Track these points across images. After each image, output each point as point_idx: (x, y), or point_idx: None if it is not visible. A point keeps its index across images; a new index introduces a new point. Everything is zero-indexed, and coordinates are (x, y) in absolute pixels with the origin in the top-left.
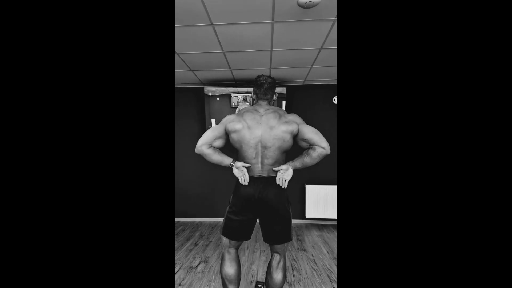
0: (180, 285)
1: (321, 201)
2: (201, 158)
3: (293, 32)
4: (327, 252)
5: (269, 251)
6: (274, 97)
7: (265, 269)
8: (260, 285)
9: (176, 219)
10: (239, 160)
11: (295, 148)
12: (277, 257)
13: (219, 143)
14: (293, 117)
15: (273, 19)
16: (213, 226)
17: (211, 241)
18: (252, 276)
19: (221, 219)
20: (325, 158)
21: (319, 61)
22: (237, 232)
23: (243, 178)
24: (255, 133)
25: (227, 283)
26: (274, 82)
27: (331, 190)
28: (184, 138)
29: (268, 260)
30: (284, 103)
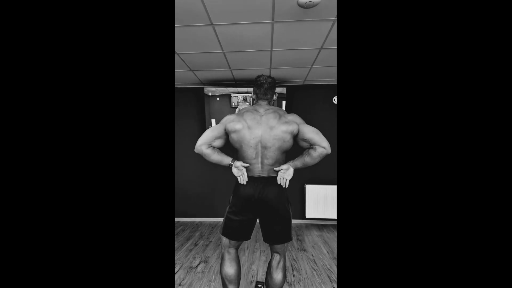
0: (180, 285)
1: (321, 201)
2: (201, 158)
3: (293, 32)
4: (327, 252)
5: (269, 251)
6: (274, 97)
7: (265, 269)
8: (260, 285)
9: (176, 219)
10: (239, 160)
11: (295, 148)
12: (277, 257)
13: (218, 143)
14: (293, 117)
15: (273, 19)
16: (213, 226)
17: (211, 241)
18: (252, 276)
19: (221, 219)
20: (325, 158)
21: (319, 61)
22: (237, 232)
23: (242, 177)
24: (255, 133)
25: (227, 283)
26: (274, 82)
27: (331, 190)
28: (184, 138)
29: (268, 260)
30: (284, 103)
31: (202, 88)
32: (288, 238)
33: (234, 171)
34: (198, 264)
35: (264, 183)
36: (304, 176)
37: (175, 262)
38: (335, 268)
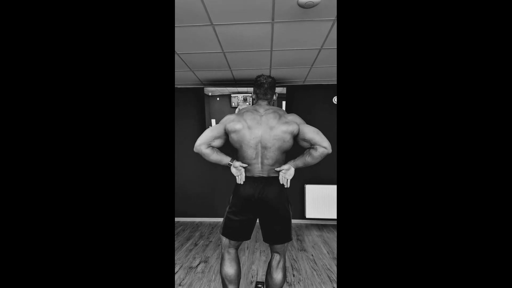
0: (180, 285)
1: (321, 201)
2: (201, 158)
3: (293, 32)
4: (327, 252)
5: (269, 251)
6: (274, 97)
7: (265, 269)
8: (260, 285)
9: (176, 219)
10: (238, 160)
11: (295, 148)
12: (277, 257)
13: (218, 143)
14: (293, 117)
15: (273, 19)
16: (213, 226)
17: (211, 241)
18: (252, 276)
19: (221, 219)
20: (325, 158)
21: (319, 61)
22: (237, 232)
23: (240, 177)
24: (255, 133)
25: (227, 283)
26: (274, 82)
27: (331, 190)
28: (184, 138)
29: (268, 260)
30: (284, 103)
31: (202, 88)
32: (288, 238)
33: (233, 170)
34: (198, 264)
35: (264, 183)
36: (304, 176)
37: (175, 262)
38: (335, 268)
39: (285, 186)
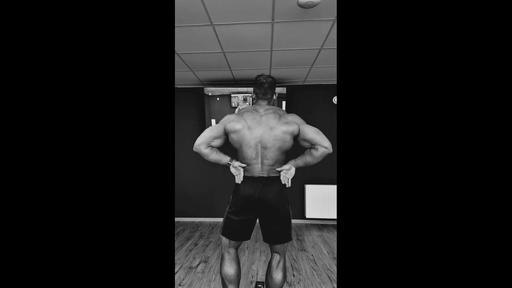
0: (180, 285)
1: (321, 201)
2: (201, 158)
3: (293, 32)
4: (327, 252)
5: (269, 251)
6: (274, 97)
7: (265, 269)
8: (260, 285)
9: (176, 219)
10: (238, 160)
11: (295, 148)
12: (277, 257)
13: (217, 143)
14: (293, 118)
15: (273, 19)
16: (213, 226)
17: (211, 241)
18: (252, 276)
19: (221, 219)
20: (325, 158)
21: (319, 61)
22: (237, 232)
23: (238, 177)
24: (255, 134)
25: (227, 283)
26: (274, 82)
27: (331, 190)
28: (184, 138)
29: (268, 260)
30: (284, 103)
31: (202, 88)
32: (288, 238)
33: (232, 170)
34: (198, 264)
35: (264, 183)
36: (304, 176)
37: (175, 262)
38: (335, 268)
39: (287, 186)
